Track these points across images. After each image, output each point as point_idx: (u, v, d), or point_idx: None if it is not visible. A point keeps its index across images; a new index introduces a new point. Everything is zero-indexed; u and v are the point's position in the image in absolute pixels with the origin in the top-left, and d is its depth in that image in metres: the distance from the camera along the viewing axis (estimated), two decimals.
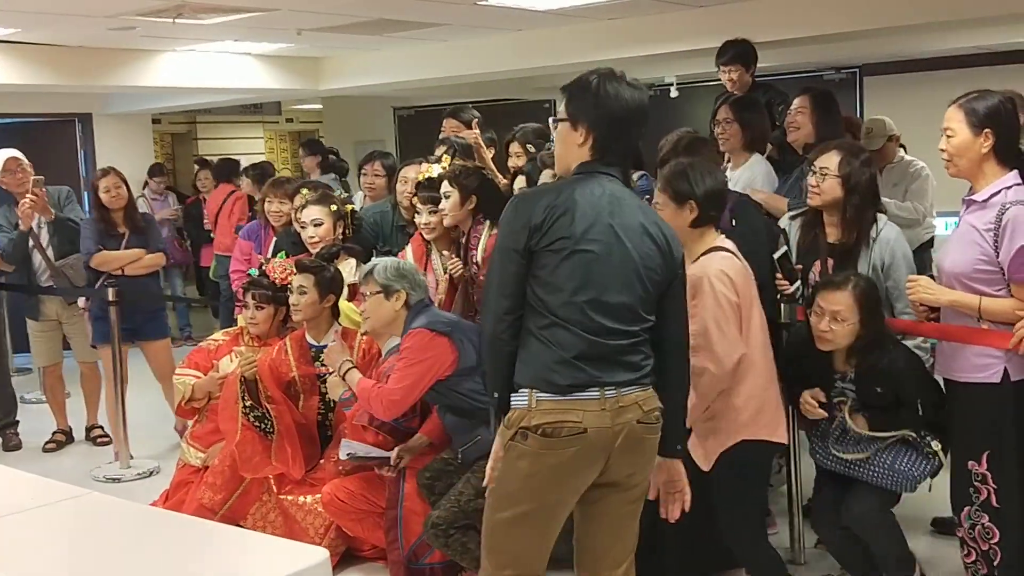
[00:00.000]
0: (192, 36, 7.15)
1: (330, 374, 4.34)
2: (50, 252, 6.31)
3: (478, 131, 5.57)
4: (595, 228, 2.73)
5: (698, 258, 3.46)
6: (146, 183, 10.33)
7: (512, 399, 2.82)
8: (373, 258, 5.28)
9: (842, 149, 3.84)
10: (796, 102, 4.82)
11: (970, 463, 3.43)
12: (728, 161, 5.12)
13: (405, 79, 8.57)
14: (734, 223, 4.14)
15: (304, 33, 6.93)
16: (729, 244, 3.53)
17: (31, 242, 6.29)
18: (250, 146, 15.29)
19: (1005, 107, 3.28)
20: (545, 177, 4.06)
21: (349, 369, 4.16)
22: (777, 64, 8.43)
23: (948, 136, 3.30)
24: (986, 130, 3.24)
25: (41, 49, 7.36)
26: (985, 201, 3.29)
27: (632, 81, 2.84)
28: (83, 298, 6.32)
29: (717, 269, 3.39)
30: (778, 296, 3.97)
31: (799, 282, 3.98)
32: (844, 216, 3.82)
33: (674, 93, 9.41)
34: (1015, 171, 3.30)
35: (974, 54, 8.36)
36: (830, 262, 3.89)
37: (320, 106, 13.30)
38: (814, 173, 3.84)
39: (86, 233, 6.21)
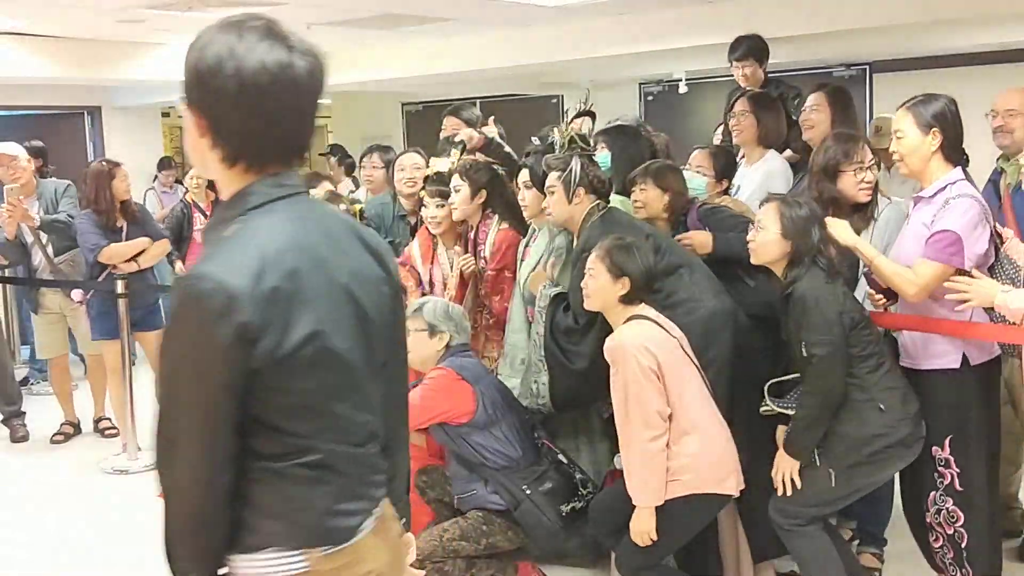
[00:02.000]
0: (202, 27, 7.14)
1: None
2: (50, 250, 6.31)
3: (495, 128, 5.53)
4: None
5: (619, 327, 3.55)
6: (155, 176, 10.35)
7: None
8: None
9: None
10: (811, 99, 4.76)
11: (933, 448, 3.51)
12: (741, 156, 5.10)
13: (412, 74, 8.59)
14: (708, 228, 4.17)
15: (313, 28, 6.92)
16: (651, 312, 3.59)
17: (30, 238, 6.28)
18: None
19: (949, 108, 3.47)
20: (552, 180, 4.04)
21: None
22: (787, 61, 8.41)
23: (898, 138, 3.49)
24: (933, 130, 3.43)
25: (49, 41, 7.37)
26: (932, 197, 3.46)
27: (286, 35, 1.73)
28: (79, 291, 6.27)
29: (636, 339, 3.45)
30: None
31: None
32: None
33: (683, 89, 9.39)
34: (959, 168, 3.49)
35: (983, 52, 8.33)
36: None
37: (329, 100, 13.30)
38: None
39: (87, 227, 6.09)
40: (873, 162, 3.89)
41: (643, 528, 3.47)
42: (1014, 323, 3.29)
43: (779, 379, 3.63)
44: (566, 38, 7.67)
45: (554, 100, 11.16)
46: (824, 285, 3.45)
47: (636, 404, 3.41)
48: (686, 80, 9.30)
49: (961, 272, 3.34)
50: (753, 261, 3.62)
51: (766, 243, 3.54)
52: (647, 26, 7.25)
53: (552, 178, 4.03)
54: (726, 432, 3.57)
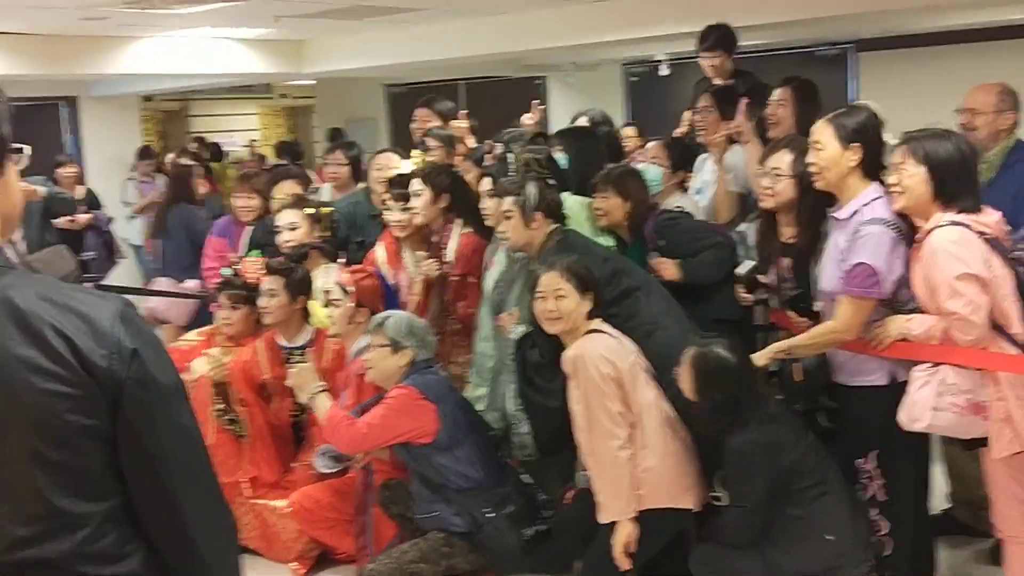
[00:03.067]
0: (168, 24, 7.07)
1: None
2: (23, 247, 6.23)
3: (466, 123, 5.46)
4: None
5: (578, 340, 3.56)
6: (134, 166, 10.28)
7: None
8: (347, 250, 5.25)
9: (794, 148, 3.75)
10: (777, 94, 4.64)
11: (857, 461, 3.53)
12: (705, 153, 5.02)
13: (389, 62, 8.49)
14: (661, 243, 4.15)
15: (282, 20, 6.84)
16: (605, 326, 3.59)
17: None
18: (243, 123, 15.23)
19: (871, 122, 3.41)
20: (508, 204, 4.00)
21: (319, 393, 4.09)
22: (769, 41, 8.32)
23: (817, 150, 3.42)
24: (854, 144, 3.36)
25: (18, 38, 7.28)
26: (847, 220, 3.40)
27: None
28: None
29: (595, 348, 3.46)
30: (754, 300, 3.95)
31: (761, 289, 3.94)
32: (798, 216, 3.76)
33: (664, 71, 9.29)
34: (876, 183, 3.40)
35: (971, 29, 8.21)
36: (785, 263, 3.83)
37: (313, 81, 13.21)
38: (767, 174, 3.78)
39: None
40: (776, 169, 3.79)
41: (625, 539, 3.43)
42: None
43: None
44: (544, 25, 7.55)
45: (537, 82, 11.07)
46: (755, 447, 3.35)
47: (598, 411, 3.38)
48: (668, 62, 9.20)
49: (882, 301, 3.34)
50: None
51: (686, 389, 3.47)
52: (624, 12, 7.14)
53: (508, 203, 3.97)
54: (688, 445, 3.53)
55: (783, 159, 3.72)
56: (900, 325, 3.31)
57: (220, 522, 1.67)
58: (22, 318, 1.50)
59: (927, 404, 3.16)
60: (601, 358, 3.41)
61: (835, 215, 3.48)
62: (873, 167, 3.40)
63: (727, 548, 3.48)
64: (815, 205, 3.69)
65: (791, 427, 3.48)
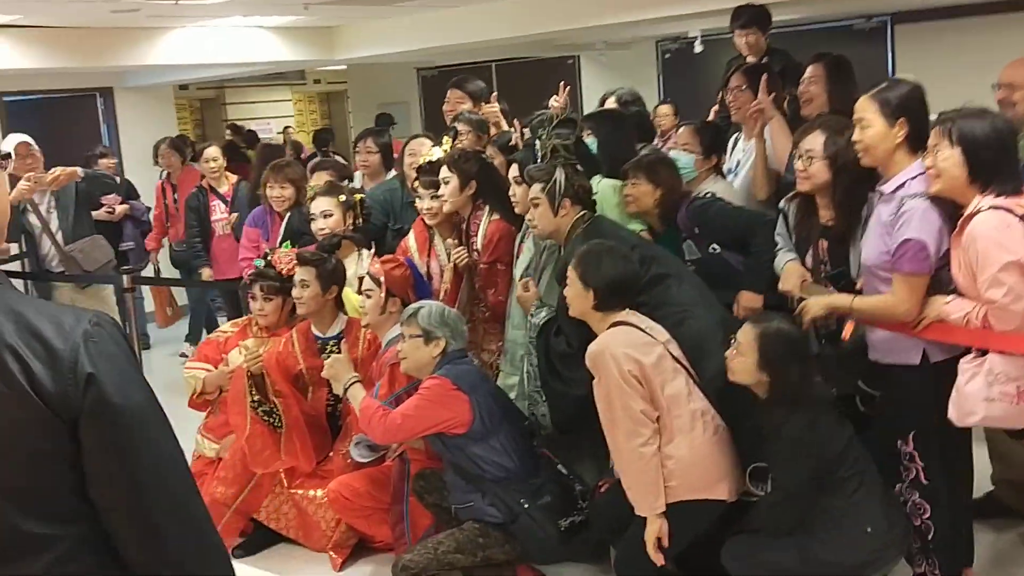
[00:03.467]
0: (198, 14, 7.09)
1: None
2: (59, 237, 6.29)
3: (497, 106, 5.43)
4: None
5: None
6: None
7: None
8: (385, 238, 5.26)
9: (826, 128, 3.72)
10: (809, 71, 4.59)
11: (899, 442, 3.50)
12: (739, 134, 4.96)
13: (420, 46, 8.45)
14: (697, 231, 4.08)
15: (312, 7, 6.83)
16: (635, 318, 3.52)
17: (38, 226, 6.25)
18: (278, 110, 15.27)
19: (916, 96, 3.36)
20: (535, 192, 3.95)
21: (353, 383, 4.10)
22: (804, 16, 8.20)
23: (863, 127, 3.37)
24: (900, 119, 3.31)
25: (51, 32, 7.33)
26: (892, 193, 3.36)
27: None
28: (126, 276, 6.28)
29: (617, 344, 3.41)
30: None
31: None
32: (832, 198, 3.71)
33: (699, 48, 9.17)
34: (920, 161, 3.34)
35: (1011, 0, 8.04)
36: (824, 245, 3.78)
37: (344, 67, 13.21)
38: (800, 157, 3.74)
39: None
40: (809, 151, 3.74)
41: (653, 535, 3.41)
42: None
43: (761, 465, 3.55)
44: (576, 4, 7.48)
45: (570, 61, 10.99)
46: (806, 432, 3.32)
47: (621, 411, 3.35)
48: (702, 38, 9.08)
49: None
50: (729, 378, 3.50)
51: (742, 370, 3.43)
52: None
53: (536, 190, 3.94)
54: (721, 435, 3.49)
55: (815, 140, 3.68)
56: (938, 308, 3.26)
57: (199, 548, 1.58)
58: None
59: (979, 396, 3.11)
60: (624, 356, 3.37)
61: (880, 188, 3.43)
62: (919, 140, 3.33)
63: (761, 539, 3.44)
64: (850, 187, 3.64)
65: (837, 415, 3.45)
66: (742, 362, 3.41)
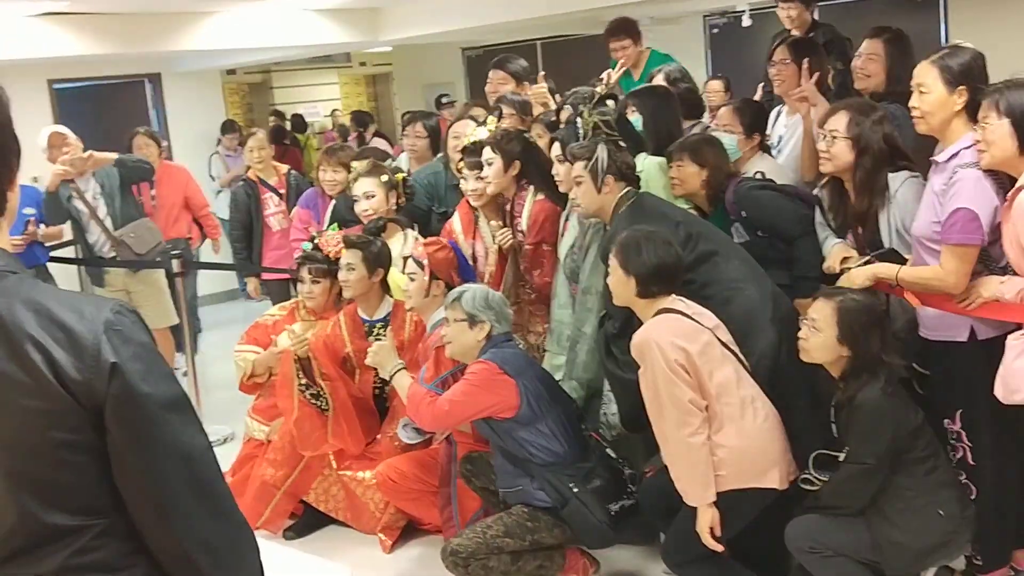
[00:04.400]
0: None
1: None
2: (108, 223, 6.33)
3: (545, 86, 5.38)
4: None
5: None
6: (219, 140, 10.40)
7: None
8: (430, 221, 5.24)
9: (851, 109, 3.69)
10: (866, 46, 4.48)
11: (946, 421, 3.48)
12: (782, 107, 4.86)
13: (464, 26, 8.40)
14: (743, 214, 4.01)
15: None
16: (681, 304, 3.47)
17: (85, 212, 6.29)
18: (325, 93, 15.28)
19: (977, 63, 3.30)
20: (578, 169, 3.91)
21: (399, 371, 4.09)
22: None
23: (922, 92, 3.32)
24: (960, 87, 3.27)
25: (99, 18, 7.37)
26: (945, 163, 3.32)
27: None
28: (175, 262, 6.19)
29: (662, 333, 3.35)
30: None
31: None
32: (854, 179, 3.66)
33: (747, 21, 9.04)
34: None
35: None
36: (860, 230, 3.73)
37: (389, 49, 13.20)
38: (823, 137, 3.70)
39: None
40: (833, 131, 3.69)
41: (705, 525, 3.37)
42: None
43: (829, 452, 3.47)
44: None
45: None
46: (885, 400, 3.28)
47: (668, 400, 3.31)
48: (750, 12, 8.95)
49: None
50: (803, 359, 3.46)
51: (820, 347, 3.37)
52: None
53: (579, 168, 3.89)
54: (771, 422, 3.43)
55: (839, 121, 3.65)
56: (993, 287, 3.21)
57: (226, 540, 1.57)
58: (5, 331, 1.45)
59: None
60: (670, 344, 3.31)
61: (934, 158, 3.39)
62: (977, 110, 3.25)
63: (828, 520, 3.38)
64: (871, 170, 3.61)
65: (911, 403, 3.39)
66: (819, 339, 3.36)
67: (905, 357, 3.47)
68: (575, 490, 3.75)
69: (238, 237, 6.61)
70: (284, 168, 6.78)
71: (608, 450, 3.96)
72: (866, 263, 3.57)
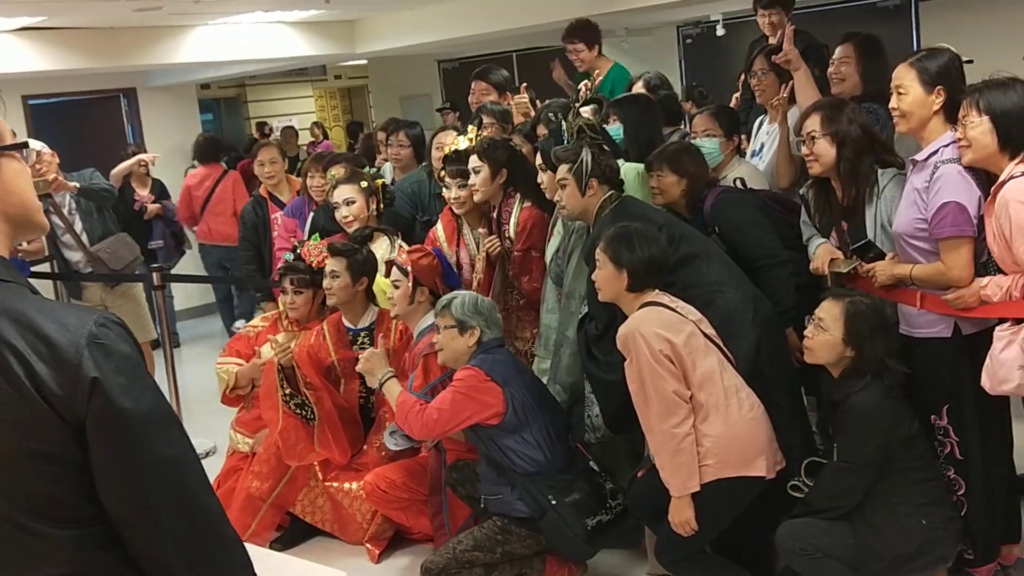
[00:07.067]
0: (220, 10, 7.08)
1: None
2: (84, 238, 6.27)
3: (527, 96, 5.40)
4: None
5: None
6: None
7: None
8: (414, 229, 5.24)
9: (822, 108, 3.77)
10: (839, 51, 4.54)
11: (932, 417, 3.50)
12: (763, 117, 4.90)
13: (440, 38, 8.42)
14: (718, 229, 4.03)
15: (332, 2, 6.80)
16: (665, 298, 3.51)
17: (61, 228, 6.21)
18: (300, 106, 15.26)
19: (954, 65, 3.38)
20: (563, 172, 3.92)
21: (389, 378, 4.08)
22: None
23: (900, 94, 3.39)
24: (938, 87, 3.34)
25: (74, 33, 7.34)
26: (924, 161, 3.37)
27: None
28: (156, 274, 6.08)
29: (647, 324, 3.38)
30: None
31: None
32: (839, 172, 3.71)
33: (720, 31, 9.11)
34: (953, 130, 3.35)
35: None
36: (844, 226, 3.76)
37: (364, 62, 13.20)
38: (803, 142, 3.77)
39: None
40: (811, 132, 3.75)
41: (682, 518, 3.39)
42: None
43: (819, 460, 3.52)
44: None
45: None
46: (881, 402, 3.31)
47: (653, 391, 3.33)
48: (723, 22, 9.01)
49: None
50: (807, 359, 3.49)
51: (824, 347, 3.41)
52: None
53: (563, 171, 3.91)
54: (756, 412, 3.45)
55: (814, 121, 3.72)
56: (975, 292, 3.25)
57: (214, 556, 1.53)
58: None
59: (1015, 363, 3.08)
60: (654, 335, 3.33)
61: (914, 157, 3.43)
62: (955, 110, 3.32)
63: (819, 523, 3.41)
64: (854, 159, 3.66)
65: (904, 400, 3.41)
66: (825, 339, 3.39)
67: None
68: (553, 502, 3.74)
69: (249, 259, 6.31)
70: (299, 182, 6.19)
71: (592, 463, 3.95)
72: (854, 266, 3.60)
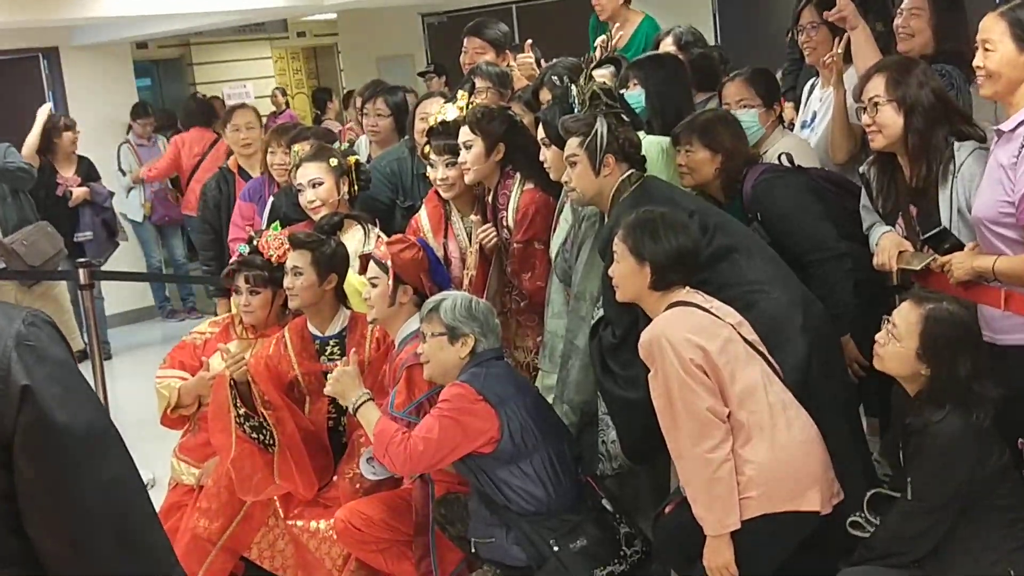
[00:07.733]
0: None
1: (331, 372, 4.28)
2: None
3: (532, 56, 5.39)
4: None
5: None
6: (129, 127, 10.36)
7: None
8: (393, 217, 5.23)
9: (887, 68, 3.76)
10: (908, 2, 4.55)
11: (1020, 442, 3.45)
12: (815, 80, 4.90)
13: None
14: (759, 216, 4.06)
15: None
16: (697, 296, 3.50)
17: None
18: (257, 69, 15.27)
19: None
20: (573, 147, 3.92)
21: (364, 403, 4.05)
22: None
23: (987, 50, 3.36)
24: None
25: None
26: (1012, 131, 3.36)
27: None
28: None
29: (675, 329, 3.38)
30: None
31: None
32: (907, 145, 3.71)
33: None
34: None
35: None
36: (913, 211, 3.77)
37: (334, 16, 13.21)
38: (863, 109, 3.77)
39: None
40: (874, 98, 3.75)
41: (720, 562, 3.39)
42: None
43: (887, 492, 3.52)
44: None
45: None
46: (967, 435, 3.27)
47: (683, 408, 3.33)
48: None
49: None
50: (875, 365, 3.49)
51: (895, 357, 3.39)
52: None
53: (573, 145, 3.90)
54: (808, 433, 3.45)
55: (878, 84, 3.71)
56: None
57: None
58: None
59: None
60: (684, 341, 3.33)
61: (999, 127, 3.43)
62: None
63: (886, 572, 3.39)
64: (925, 130, 3.66)
65: (995, 430, 3.39)
66: (896, 348, 3.37)
67: None
68: (556, 548, 3.75)
69: (206, 244, 6.34)
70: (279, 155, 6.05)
71: (604, 501, 3.95)
72: (929, 261, 3.60)
